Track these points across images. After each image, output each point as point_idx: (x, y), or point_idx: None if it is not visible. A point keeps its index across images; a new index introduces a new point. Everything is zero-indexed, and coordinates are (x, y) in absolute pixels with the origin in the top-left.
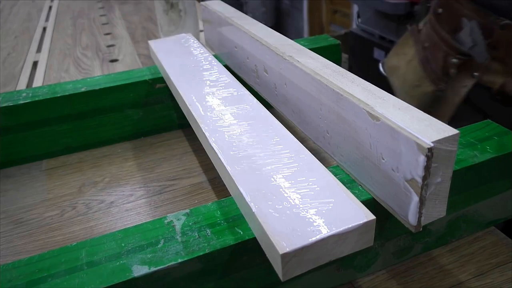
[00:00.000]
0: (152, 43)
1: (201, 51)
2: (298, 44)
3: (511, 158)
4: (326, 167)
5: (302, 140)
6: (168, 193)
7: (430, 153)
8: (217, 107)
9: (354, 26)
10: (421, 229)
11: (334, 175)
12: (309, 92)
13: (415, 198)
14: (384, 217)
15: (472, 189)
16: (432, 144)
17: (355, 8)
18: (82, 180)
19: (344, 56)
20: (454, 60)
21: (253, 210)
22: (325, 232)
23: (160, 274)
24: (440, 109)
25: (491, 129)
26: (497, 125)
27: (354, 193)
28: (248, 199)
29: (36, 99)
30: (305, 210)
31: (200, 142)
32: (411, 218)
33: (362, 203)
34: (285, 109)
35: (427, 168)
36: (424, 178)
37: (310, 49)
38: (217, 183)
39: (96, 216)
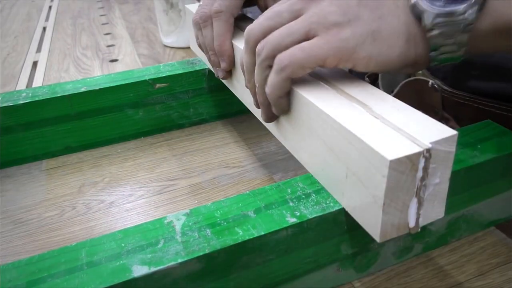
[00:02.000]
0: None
1: None
2: None
3: (511, 158)
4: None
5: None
6: (168, 193)
7: (428, 154)
8: None
9: None
10: (419, 230)
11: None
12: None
13: (413, 200)
14: None
15: (472, 189)
16: (430, 145)
17: None
18: (82, 180)
19: None
20: None
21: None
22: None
23: (160, 274)
24: None
25: (491, 129)
26: (497, 125)
27: None
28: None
29: (36, 99)
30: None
31: (200, 142)
32: (410, 219)
33: None
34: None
35: (425, 169)
36: (422, 179)
37: None
38: (217, 183)
39: (96, 216)
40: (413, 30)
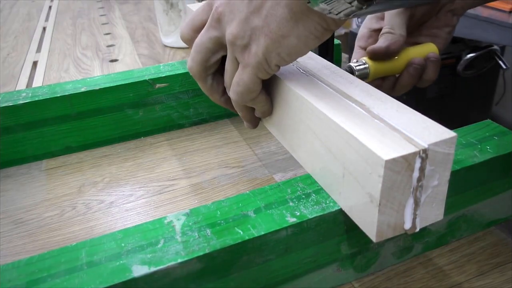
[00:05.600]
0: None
1: None
2: None
3: (511, 158)
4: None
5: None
6: (168, 193)
7: (425, 155)
8: None
9: (354, 26)
10: (416, 230)
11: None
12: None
13: (410, 200)
14: None
15: (472, 189)
16: (426, 146)
17: None
18: (82, 180)
19: (344, 56)
20: None
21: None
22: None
23: (160, 274)
24: None
25: (491, 129)
26: (497, 125)
27: None
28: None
29: (36, 99)
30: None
31: (200, 142)
32: (406, 219)
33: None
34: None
35: (421, 169)
36: (419, 179)
37: None
38: (217, 183)
39: (96, 216)
40: (296, 8)
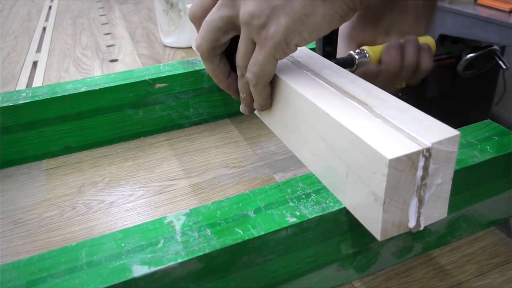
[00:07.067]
0: None
1: None
2: None
3: (511, 158)
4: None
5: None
6: (168, 193)
7: (428, 153)
8: None
9: None
10: (420, 228)
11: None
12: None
13: (414, 198)
14: None
15: (472, 189)
16: (429, 144)
17: None
18: (82, 180)
19: None
20: None
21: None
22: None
23: (160, 274)
24: None
25: (491, 129)
26: (497, 125)
27: None
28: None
29: (36, 99)
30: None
31: (200, 142)
32: (410, 217)
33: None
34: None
35: (425, 168)
36: (423, 178)
37: (310, 49)
38: (217, 183)
39: (96, 216)
40: None
